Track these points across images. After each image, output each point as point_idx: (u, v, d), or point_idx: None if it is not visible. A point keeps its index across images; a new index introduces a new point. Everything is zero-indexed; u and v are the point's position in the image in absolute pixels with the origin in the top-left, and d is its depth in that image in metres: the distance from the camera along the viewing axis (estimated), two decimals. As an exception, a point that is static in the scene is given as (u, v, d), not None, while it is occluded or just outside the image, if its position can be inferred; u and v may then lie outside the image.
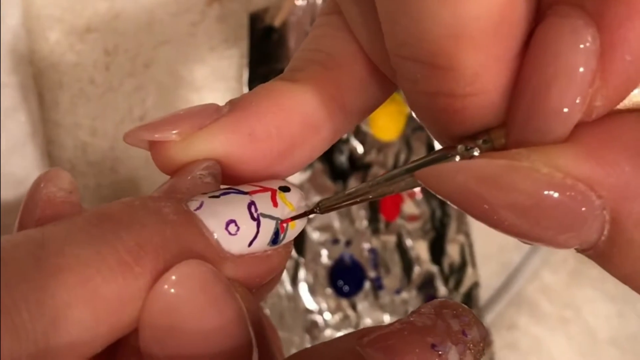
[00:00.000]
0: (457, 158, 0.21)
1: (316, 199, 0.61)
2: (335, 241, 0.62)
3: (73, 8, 0.55)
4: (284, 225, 0.23)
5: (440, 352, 0.20)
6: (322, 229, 0.62)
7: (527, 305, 0.64)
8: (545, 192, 0.18)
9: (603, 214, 0.18)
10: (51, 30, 0.55)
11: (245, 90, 0.58)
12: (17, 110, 0.54)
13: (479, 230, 0.63)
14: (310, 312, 0.61)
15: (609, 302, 0.65)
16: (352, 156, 0.63)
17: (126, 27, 0.56)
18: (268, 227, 0.22)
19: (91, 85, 0.56)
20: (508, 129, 0.20)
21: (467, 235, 0.64)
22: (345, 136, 0.62)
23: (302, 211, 0.24)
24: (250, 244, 0.22)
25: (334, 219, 0.62)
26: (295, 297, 0.61)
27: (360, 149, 0.63)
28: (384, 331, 0.21)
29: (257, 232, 0.22)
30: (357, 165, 0.63)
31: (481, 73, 0.19)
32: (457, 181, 0.19)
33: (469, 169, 0.19)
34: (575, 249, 0.19)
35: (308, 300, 0.61)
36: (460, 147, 0.21)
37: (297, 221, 0.23)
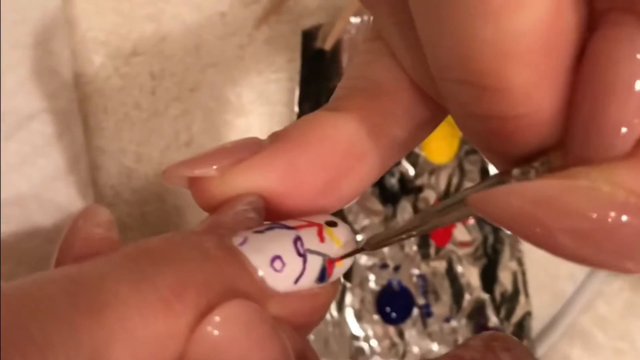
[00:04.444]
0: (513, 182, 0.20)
1: (365, 222, 0.60)
2: (384, 266, 0.60)
3: (119, 31, 0.54)
4: (332, 261, 0.22)
5: None
6: (371, 253, 0.60)
7: (580, 337, 0.62)
8: (608, 213, 0.16)
9: None
10: (96, 54, 0.54)
11: (296, 109, 0.57)
12: (61, 137, 0.53)
13: (531, 257, 0.61)
14: (356, 338, 0.60)
15: (666, 333, 0.63)
16: (403, 179, 0.61)
17: (172, 51, 0.55)
18: (315, 264, 0.21)
19: (136, 110, 0.55)
20: (566, 148, 0.19)
21: (520, 262, 0.62)
22: (396, 158, 0.60)
23: (350, 247, 0.22)
24: (296, 281, 0.21)
25: (383, 244, 0.60)
26: (340, 323, 0.60)
27: (411, 171, 0.61)
28: None
29: (304, 269, 0.21)
30: (408, 188, 0.61)
31: (533, 91, 0.18)
32: (511, 205, 0.17)
33: (524, 191, 0.17)
34: None
35: (354, 327, 0.60)
36: (515, 171, 0.20)
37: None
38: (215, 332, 0.18)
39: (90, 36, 0.53)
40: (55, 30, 0.52)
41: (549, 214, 0.17)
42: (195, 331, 0.18)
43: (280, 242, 0.21)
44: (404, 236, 0.22)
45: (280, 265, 0.20)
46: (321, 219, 0.23)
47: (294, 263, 0.21)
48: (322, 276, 0.22)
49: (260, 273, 0.20)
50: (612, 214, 0.16)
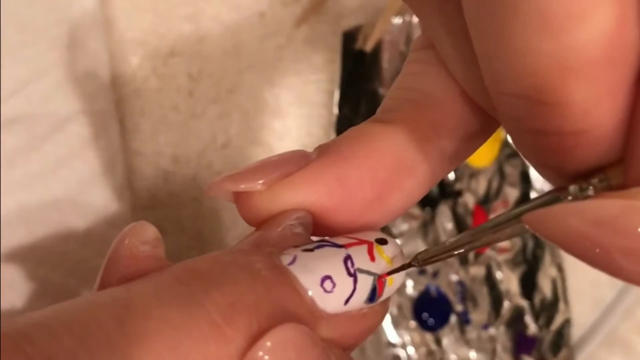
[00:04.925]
0: (570, 200, 0.19)
1: (403, 227, 0.59)
2: (422, 271, 0.59)
3: (157, 31, 0.53)
4: (382, 281, 0.21)
5: None
6: (409, 258, 0.59)
7: (620, 345, 0.61)
8: None
9: None
10: (134, 55, 0.53)
11: (335, 111, 0.56)
12: (97, 139, 0.52)
13: (571, 263, 0.60)
14: (392, 345, 0.59)
15: None
16: (442, 182, 0.60)
17: (211, 51, 0.54)
18: (365, 284, 0.21)
19: (174, 112, 0.54)
20: (626, 165, 0.18)
21: (560, 268, 0.61)
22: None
23: (399, 263, 0.22)
24: (346, 302, 0.20)
25: (421, 248, 0.59)
26: (377, 330, 0.59)
27: (451, 175, 0.60)
28: None
29: (354, 289, 0.21)
30: (447, 192, 0.60)
31: (593, 107, 0.17)
32: (569, 225, 0.17)
33: (583, 211, 0.17)
34: None
35: (391, 333, 0.59)
36: (572, 187, 0.19)
37: (395, 276, 0.22)
38: (267, 358, 0.18)
39: (128, 36, 0.53)
40: (92, 31, 0.52)
41: (607, 235, 0.16)
42: (246, 356, 0.18)
43: (330, 262, 0.20)
44: (454, 253, 0.22)
45: (331, 286, 0.20)
46: (371, 236, 0.22)
47: (344, 283, 0.20)
48: (373, 296, 0.21)
49: (310, 293, 0.20)
50: None
